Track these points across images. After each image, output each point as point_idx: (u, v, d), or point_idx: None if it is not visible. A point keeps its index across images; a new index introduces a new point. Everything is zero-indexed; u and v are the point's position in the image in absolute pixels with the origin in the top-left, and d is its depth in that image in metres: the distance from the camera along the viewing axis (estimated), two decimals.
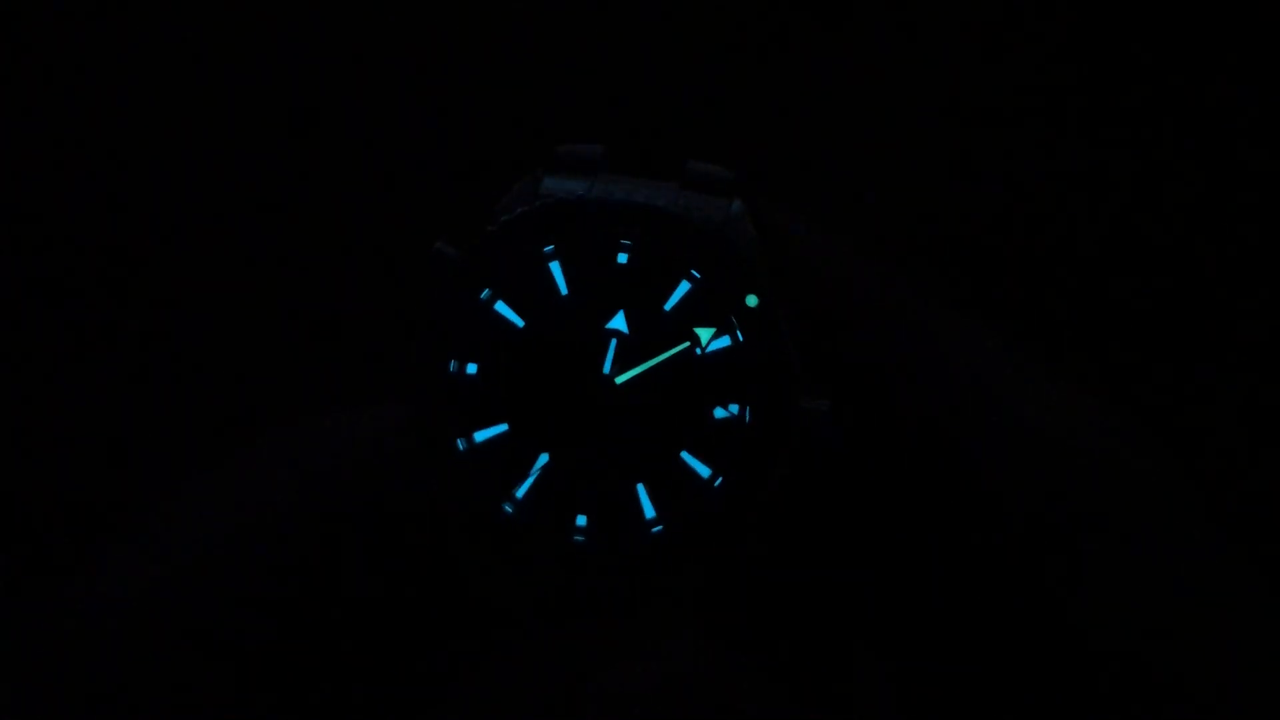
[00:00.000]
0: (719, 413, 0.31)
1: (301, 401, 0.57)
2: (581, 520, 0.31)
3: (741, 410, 0.31)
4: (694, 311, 0.32)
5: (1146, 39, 0.61)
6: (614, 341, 0.32)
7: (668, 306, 0.32)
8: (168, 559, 0.30)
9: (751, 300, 0.31)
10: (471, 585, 0.32)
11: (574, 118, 0.61)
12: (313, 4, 0.62)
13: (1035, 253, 0.60)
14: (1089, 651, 0.28)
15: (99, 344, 0.59)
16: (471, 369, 0.32)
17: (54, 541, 0.56)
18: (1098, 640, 0.28)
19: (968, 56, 0.62)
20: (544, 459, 0.31)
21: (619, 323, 0.32)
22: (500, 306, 0.32)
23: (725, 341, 0.32)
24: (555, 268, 0.32)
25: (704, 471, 0.31)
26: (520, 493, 0.31)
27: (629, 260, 0.32)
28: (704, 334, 0.32)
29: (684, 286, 0.32)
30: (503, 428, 0.32)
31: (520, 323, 0.32)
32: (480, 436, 0.32)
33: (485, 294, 0.32)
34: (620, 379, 0.31)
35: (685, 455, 0.31)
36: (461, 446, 0.31)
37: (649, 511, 0.31)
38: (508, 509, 0.31)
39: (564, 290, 0.32)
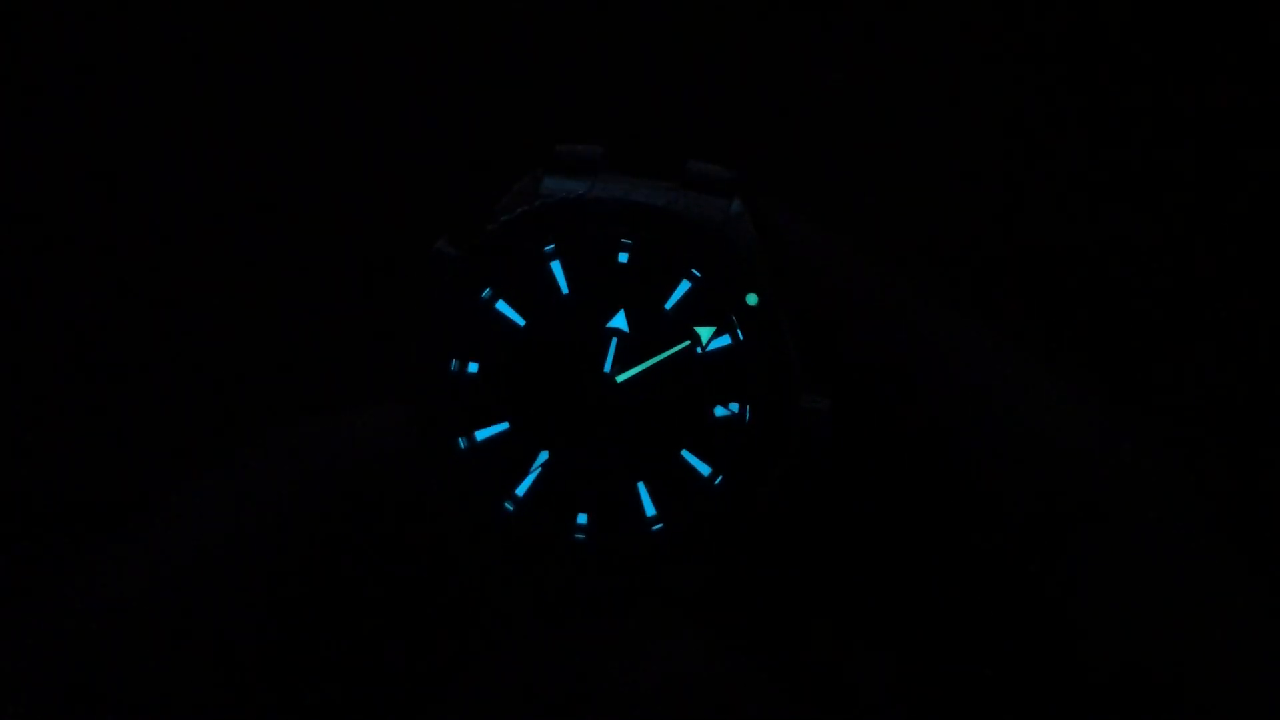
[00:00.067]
0: (719, 411, 0.31)
1: (301, 401, 0.57)
2: (582, 518, 0.31)
3: (742, 409, 0.31)
4: (694, 310, 0.32)
5: (1146, 39, 0.61)
6: (614, 340, 0.32)
7: (668, 306, 0.32)
8: (168, 559, 0.30)
9: (751, 299, 0.31)
10: (472, 585, 0.32)
11: (574, 118, 0.61)
12: (313, 4, 0.62)
13: (1035, 253, 0.60)
14: (1088, 651, 0.28)
15: (99, 344, 0.58)
16: (472, 368, 0.32)
17: (54, 541, 0.56)
18: (1096, 639, 0.28)
19: (968, 56, 0.62)
20: (544, 457, 0.32)
21: (619, 322, 0.32)
22: (501, 306, 0.32)
23: (725, 340, 0.32)
24: (556, 267, 0.32)
25: (704, 470, 0.31)
26: (521, 491, 0.31)
27: (629, 259, 0.32)
28: (704, 333, 0.32)
29: (684, 286, 0.32)
30: (503, 426, 0.32)
31: (521, 322, 0.32)
32: (481, 435, 0.32)
33: (486, 293, 0.32)
34: (621, 378, 0.31)
35: (685, 454, 0.31)
36: (462, 445, 0.32)
37: (649, 510, 0.31)
38: (508, 507, 0.31)
39: (564, 289, 0.32)
